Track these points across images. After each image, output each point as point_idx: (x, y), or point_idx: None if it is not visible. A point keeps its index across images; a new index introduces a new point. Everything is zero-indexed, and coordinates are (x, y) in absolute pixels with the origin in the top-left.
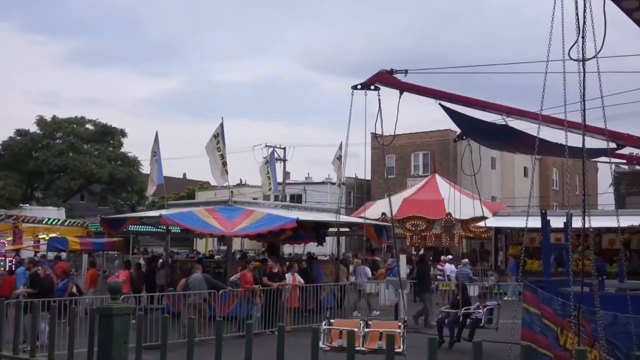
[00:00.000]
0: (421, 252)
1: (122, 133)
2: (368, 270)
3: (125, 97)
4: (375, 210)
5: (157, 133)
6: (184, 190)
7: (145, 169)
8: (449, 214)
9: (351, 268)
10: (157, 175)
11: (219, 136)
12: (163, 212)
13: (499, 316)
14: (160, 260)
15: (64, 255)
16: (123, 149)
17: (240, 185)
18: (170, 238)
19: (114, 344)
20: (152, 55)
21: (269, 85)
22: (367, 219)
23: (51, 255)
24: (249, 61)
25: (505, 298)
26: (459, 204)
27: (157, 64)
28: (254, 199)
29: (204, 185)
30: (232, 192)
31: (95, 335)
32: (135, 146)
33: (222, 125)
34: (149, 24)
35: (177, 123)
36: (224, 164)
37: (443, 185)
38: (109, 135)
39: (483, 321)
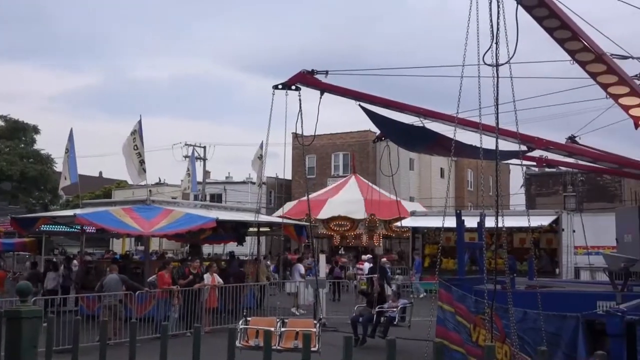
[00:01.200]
0: (337, 252)
1: (35, 130)
2: (302, 267)
3: (39, 93)
4: (349, 208)
5: (71, 130)
6: (100, 189)
7: (59, 167)
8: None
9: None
10: (70, 173)
11: (136, 134)
12: (78, 211)
13: (412, 314)
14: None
15: None
16: (36, 146)
17: (159, 184)
18: (85, 238)
19: (23, 348)
20: (66, 49)
21: (188, 83)
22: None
23: None
24: (168, 59)
25: (421, 296)
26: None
27: (71, 59)
28: (172, 198)
29: (121, 184)
30: (150, 191)
31: (2, 340)
32: (49, 143)
33: (140, 122)
34: (62, 17)
35: (93, 120)
36: (142, 162)
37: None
38: (20, 132)
39: (397, 319)
